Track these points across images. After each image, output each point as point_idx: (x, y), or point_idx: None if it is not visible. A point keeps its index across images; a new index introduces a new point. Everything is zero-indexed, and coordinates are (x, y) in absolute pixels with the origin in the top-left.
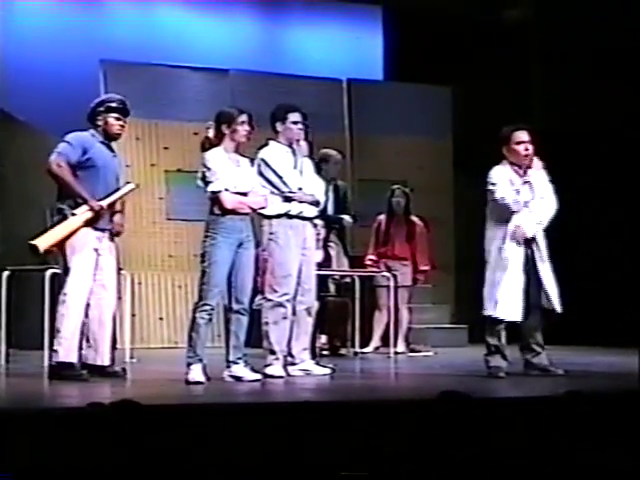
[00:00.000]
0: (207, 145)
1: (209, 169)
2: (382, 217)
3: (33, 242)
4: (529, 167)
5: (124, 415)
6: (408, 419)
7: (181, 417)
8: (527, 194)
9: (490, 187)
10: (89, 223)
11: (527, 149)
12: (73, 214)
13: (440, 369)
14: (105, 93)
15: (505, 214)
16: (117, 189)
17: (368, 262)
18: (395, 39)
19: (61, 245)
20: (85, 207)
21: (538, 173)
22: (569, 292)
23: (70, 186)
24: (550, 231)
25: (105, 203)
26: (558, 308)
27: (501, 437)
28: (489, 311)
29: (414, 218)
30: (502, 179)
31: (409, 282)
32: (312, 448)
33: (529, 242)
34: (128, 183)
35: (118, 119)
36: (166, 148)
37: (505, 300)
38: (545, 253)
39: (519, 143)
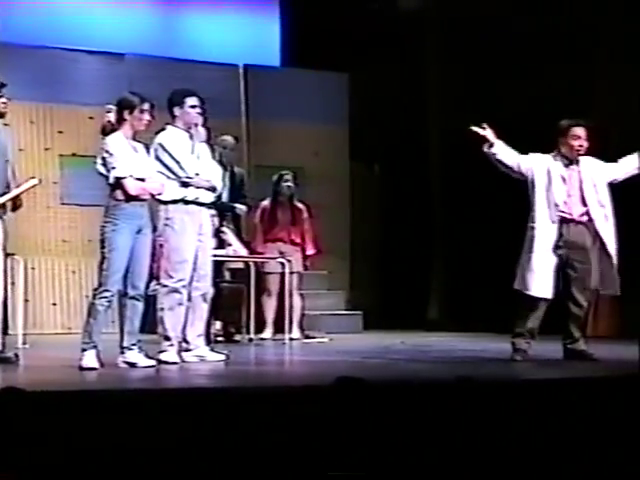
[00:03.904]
0: (108, 129)
1: (111, 154)
2: (266, 203)
3: None
4: (577, 162)
5: (9, 402)
6: (304, 405)
7: (74, 403)
8: (561, 191)
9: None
10: None
11: (581, 145)
12: None
13: (336, 355)
14: None
15: None
16: (18, 185)
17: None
18: (292, 25)
19: None
20: None
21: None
22: None
23: None
24: None
25: (1, 201)
26: None
27: (399, 422)
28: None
29: (297, 203)
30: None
31: (301, 268)
32: (205, 434)
33: None
34: (32, 178)
35: (1, 96)
36: (61, 132)
37: None
38: None
39: (575, 138)
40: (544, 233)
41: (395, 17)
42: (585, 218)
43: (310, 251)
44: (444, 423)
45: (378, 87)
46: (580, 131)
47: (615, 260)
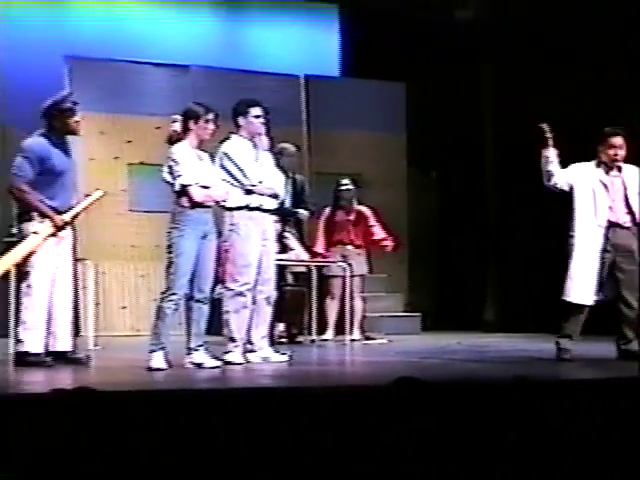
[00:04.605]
0: (174, 139)
1: (177, 163)
2: (328, 209)
3: None
4: (619, 168)
5: (81, 402)
6: (364, 405)
7: (142, 403)
8: (604, 198)
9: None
10: (51, 236)
11: (617, 154)
12: (35, 232)
13: (395, 356)
14: (70, 89)
15: None
16: (86, 196)
17: (320, 252)
18: (351, 37)
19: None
20: (48, 223)
21: (629, 177)
22: None
23: (34, 206)
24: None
25: (69, 216)
26: None
27: (456, 421)
28: None
29: (360, 207)
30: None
31: (364, 271)
32: (269, 433)
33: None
34: (98, 190)
35: (73, 115)
36: (129, 142)
37: None
38: None
39: (612, 147)
40: (585, 240)
41: (451, 27)
42: (630, 223)
43: (386, 242)
44: (501, 422)
45: (435, 95)
46: (617, 140)
47: None
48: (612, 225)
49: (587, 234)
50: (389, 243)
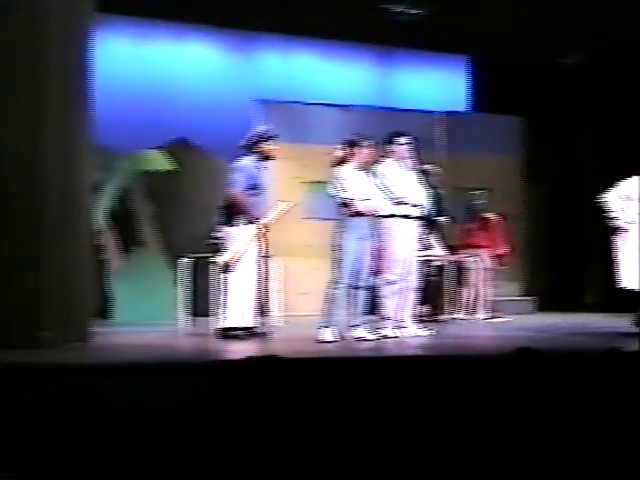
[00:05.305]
0: (337, 162)
1: (342, 181)
2: (464, 217)
3: (217, 259)
4: None
5: (270, 366)
6: (491, 369)
7: (316, 368)
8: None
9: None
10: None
11: None
12: (243, 234)
13: (514, 331)
14: (259, 126)
15: None
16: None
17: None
18: (478, 80)
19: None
20: (254, 226)
21: None
22: None
23: (245, 210)
24: None
25: (267, 221)
26: None
27: (564, 382)
28: None
29: (489, 215)
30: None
31: (488, 265)
32: (416, 392)
33: None
34: (287, 202)
35: (274, 144)
36: (305, 165)
37: None
38: None
39: None
40: (626, 236)
41: (555, 72)
42: None
43: (499, 251)
44: (600, 383)
45: (546, 128)
46: None
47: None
48: None
49: (628, 231)
50: (499, 259)
